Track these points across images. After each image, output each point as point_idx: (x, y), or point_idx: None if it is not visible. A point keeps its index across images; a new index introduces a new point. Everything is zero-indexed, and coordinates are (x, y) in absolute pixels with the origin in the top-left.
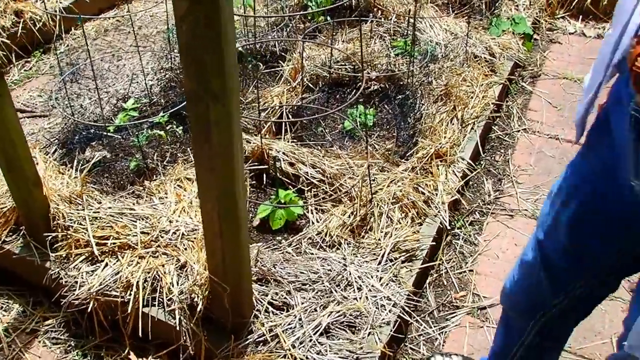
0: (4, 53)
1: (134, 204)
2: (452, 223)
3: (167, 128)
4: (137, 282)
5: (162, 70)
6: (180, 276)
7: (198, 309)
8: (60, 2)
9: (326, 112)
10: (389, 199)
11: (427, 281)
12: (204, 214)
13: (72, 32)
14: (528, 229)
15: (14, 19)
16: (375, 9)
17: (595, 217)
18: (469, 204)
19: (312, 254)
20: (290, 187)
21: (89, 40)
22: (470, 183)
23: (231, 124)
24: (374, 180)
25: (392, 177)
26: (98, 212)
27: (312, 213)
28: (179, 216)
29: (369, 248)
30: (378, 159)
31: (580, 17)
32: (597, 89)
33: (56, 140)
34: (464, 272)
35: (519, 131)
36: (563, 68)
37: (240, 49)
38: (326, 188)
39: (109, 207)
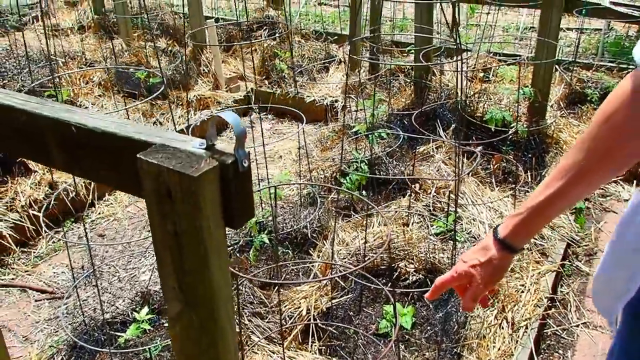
0: (34, 227)
1: None
2: None
3: None
4: None
5: None
6: None
7: None
8: None
9: (357, 315)
10: None
11: None
12: None
13: (105, 197)
14: None
15: (47, 190)
16: (413, 183)
17: None
18: None
19: None
20: None
21: (121, 207)
22: None
23: None
24: None
25: None
26: None
27: None
28: None
29: None
30: None
31: (635, 181)
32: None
33: (65, 344)
34: None
35: (578, 326)
36: None
37: (266, 239)
38: None
39: None
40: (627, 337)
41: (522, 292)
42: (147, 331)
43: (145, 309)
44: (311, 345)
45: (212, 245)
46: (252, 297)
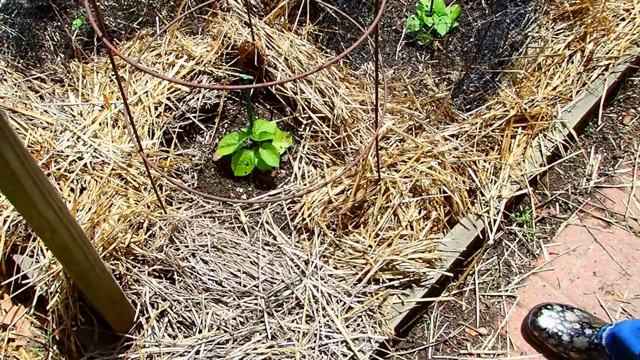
0: None
1: (43, 96)
2: (514, 214)
3: None
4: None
5: None
6: None
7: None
8: None
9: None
10: (406, 185)
11: (437, 301)
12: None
13: None
14: (625, 252)
15: None
16: None
17: None
18: (552, 188)
19: (265, 241)
20: (288, 110)
21: None
22: (568, 151)
23: None
24: (401, 141)
25: (427, 147)
26: None
27: (299, 161)
28: (95, 134)
29: (351, 254)
30: (419, 113)
31: None
32: None
33: None
34: (500, 297)
35: None
36: None
37: None
38: (330, 132)
39: (5, 95)
40: None
41: (623, 19)
42: None
43: None
44: (298, 24)
45: None
46: None
